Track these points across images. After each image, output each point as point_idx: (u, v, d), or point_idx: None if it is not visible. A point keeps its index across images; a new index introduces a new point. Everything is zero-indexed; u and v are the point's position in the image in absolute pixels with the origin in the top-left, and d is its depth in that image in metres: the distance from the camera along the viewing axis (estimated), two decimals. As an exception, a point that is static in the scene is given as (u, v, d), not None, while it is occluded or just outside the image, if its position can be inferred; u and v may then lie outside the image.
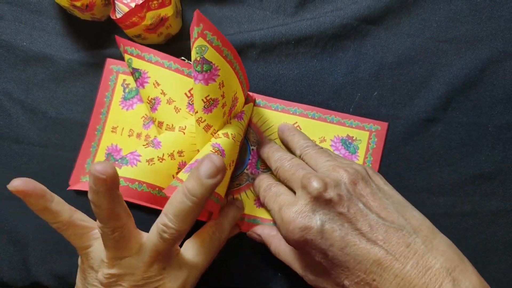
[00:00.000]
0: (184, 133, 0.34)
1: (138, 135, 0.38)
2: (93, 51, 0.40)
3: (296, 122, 0.38)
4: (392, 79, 0.38)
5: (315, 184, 0.29)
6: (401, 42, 0.38)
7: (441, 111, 0.38)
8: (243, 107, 0.37)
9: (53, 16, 0.40)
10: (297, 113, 0.38)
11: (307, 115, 0.38)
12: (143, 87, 0.36)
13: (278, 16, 0.39)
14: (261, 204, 0.37)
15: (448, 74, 0.38)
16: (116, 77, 0.39)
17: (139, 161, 0.32)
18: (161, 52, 0.36)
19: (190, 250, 0.32)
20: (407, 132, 0.38)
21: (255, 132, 0.38)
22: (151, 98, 0.36)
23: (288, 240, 0.30)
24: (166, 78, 0.35)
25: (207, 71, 0.29)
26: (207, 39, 0.28)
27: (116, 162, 0.32)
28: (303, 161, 0.34)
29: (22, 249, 0.39)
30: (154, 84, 0.35)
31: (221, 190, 0.33)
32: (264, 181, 0.35)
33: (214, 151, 0.31)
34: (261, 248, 0.36)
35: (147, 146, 0.33)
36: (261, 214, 0.37)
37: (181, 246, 0.33)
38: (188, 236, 0.32)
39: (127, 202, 0.29)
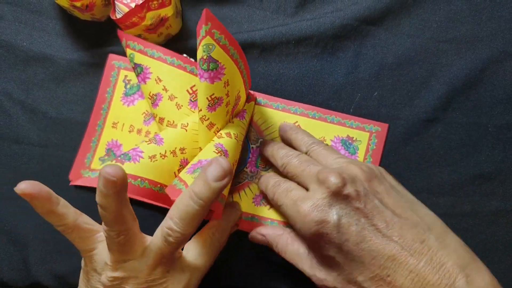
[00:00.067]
0: (186, 130, 0.34)
1: (139, 131, 0.38)
2: (93, 51, 0.40)
3: (297, 122, 0.38)
4: (392, 80, 0.38)
5: (334, 179, 0.29)
6: (401, 43, 0.38)
7: (441, 111, 0.38)
8: (244, 105, 0.37)
9: (53, 17, 0.40)
10: (298, 113, 0.38)
11: (307, 114, 0.38)
12: (145, 82, 0.36)
13: (278, 16, 0.39)
14: (268, 201, 0.37)
15: (448, 74, 0.38)
16: (118, 73, 0.39)
17: (142, 157, 0.32)
18: (164, 48, 0.36)
19: (191, 252, 0.32)
20: (407, 133, 0.38)
21: (255, 130, 0.38)
22: (153, 94, 0.36)
23: (303, 234, 0.30)
24: (169, 74, 0.35)
25: (213, 69, 0.29)
26: (215, 38, 0.28)
27: (119, 158, 0.32)
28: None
29: (22, 249, 0.39)
30: (156, 80, 0.35)
31: (226, 190, 0.33)
32: (271, 178, 0.35)
33: (217, 151, 0.31)
34: (262, 247, 0.36)
35: (149, 142, 0.33)
36: (259, 212, 0.37)
37: (182, 248, 0.33)
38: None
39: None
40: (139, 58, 0.36)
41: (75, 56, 0.40)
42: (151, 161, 0.32)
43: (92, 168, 0.38)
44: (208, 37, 0.28)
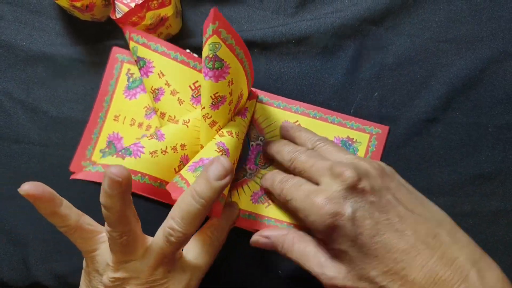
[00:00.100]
0: (187, 127, 0.34)
1: (140, 125, 0.39)
2: (93, 50, 0.40)
3: (297, 121, 0.38)
4: (392, 80, 0.38)
5: (349, 173, 0.29)
6: (401, 43, 0.38)
7: (441, 111, 0.38)
8: (246, 103, 0.37)
9: (53, 17, 0.40)
10: (299, 112, 0.38)
11: (308, 114, 0.38)
12: (147, 76, 0.36)
13: (278, 16, 0.39)
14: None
15: (448, 74, 0.38)
16: (121, 66, 0.39)
17: (143, 152, 0.32)
18: (168, 43, 0.36)
19: (191, 252, 0.32)
20: (407, 133, 0.38)
21: (256, 128, 0.38)
22: (155, 88, 0.36)
23: (316, 227, 0.29)
24: (172, 69, 0.35)
25: (218, 68, 0.29)
26: (222, 37, 0.28)
27: (120, 153, 0.32)
28: None
29: (22, 249, 0.39)
30: (158, 74, 0.35)
31: (226, 189, 0.33)
32: (277, 175, 0.35)
33: (219, 150, 0.31)
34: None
35: (151, 138, 0.33)
36: (257, 210, 0.37)
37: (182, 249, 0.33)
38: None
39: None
40: (142, 52, 0.36)
41: (75, 55, 0.40)
42: (151, 156, 0.32)
43: (93, 159, 0.38)
44: (214, 36, 0.28)
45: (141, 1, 0.34)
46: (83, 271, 0.31)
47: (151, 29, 0.36)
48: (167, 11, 0.35)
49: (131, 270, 0.28)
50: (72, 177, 0.30)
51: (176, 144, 0.33)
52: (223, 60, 0.29)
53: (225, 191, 0.33)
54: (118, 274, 0.28)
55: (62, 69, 0.40)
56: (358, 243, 0.28)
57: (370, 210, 0.28)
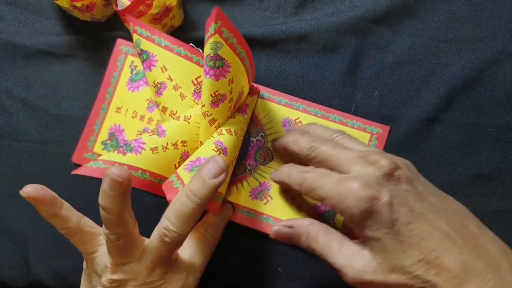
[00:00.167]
0: (189, 123, 0.34)
1: (142, 117, 0.39)
2: (93, 50, 0.40)
3: (298, 118, 0.38)
4: (392, 79, 0.38)
5: (385, 161, 0.29)
6: (401, 42, 0.38)
7: (441, 111, 0.38)
8: (247, 99, 0.37)
9: (52, 17, 0.40)
10: (300, 109, 0.38)
11: (310, 111, 0.38)
12: (150, 70, 0.36)
13: (278, 16, 0.39)
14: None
15: (448, 74, 0.38)
16: (125, 58, 0.39)
17: (144, 149, 0.32)
18: (171, 37, 0.35)
19: (186, 251, 0.32)
20: (407, 132, 0.38)
21: (256, 124, 0.38)
22: (157, 82, 0.36)
23: (350, 212, 0.28)
24: (175, 64, 0.35)
25: (219, 67, 0.29)
26: (224, 36, 0.29)
27: (121, 149, 0.32)
28: None
29: (23, 247, 0.39)
30: (161, 69, 0.35)
31: (222, 187, 0.33)
32: (294, 166, 0.34)
33: (216, 149, 0.31)
34: (260, 244, 0.36)
35: (152, 134, 0.33)
36: (255, 206, 0.37)
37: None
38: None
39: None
40: (146, 45, 0.36)
41: (75, 54, 0.40)
42: (152, 153, 0.32)
43: (95, 151, 0.39)
44: (216, 35, 0.28)
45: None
46: (83, 272, 0.32)
47: (157, 19, 0.36)
48: (172, 0, 0.36)
49: (128, 272, 0.28)
50: (74, 172, 0.30)
51: (177, 140, 0.33)
52: (224, 59, 0.29)
53: (223, 191, 0.33)
54: (116, 276, 0.28)
55: (62, 68, 0.40)
56: (393, 230, 0.27)
57: (405, 198, 0.28)
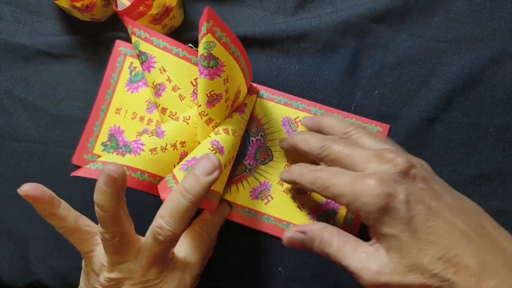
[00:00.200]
0: (187, 124, 0.34)
1: (141, 118, 0.39)
2: (93, 50, 0.40)
3: (298, 117, 0.38)
4: (392, 78, 0.38)
5: (401, 159, 0.28)
6: (401, 42, 0.38)
7: (441, 111, 0.38)
8: (245, 99, 0.37)
9: (52, 17, 0.40)
10: (300, 108, 0.38)
11: (310, 110, 0.38)
12: (149, 71, 0.36)
13: (277, 16, 0.39)
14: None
15: (448, 74, 0.38)
16: (124, 59, 0.39)
17: (143, 150, 0.32)
18: (169, 38, 0.36)
19: (181, 250, 0.32)
20: (407, 132, 0.38)
21: (256, 123, 0.38)
22: (156, 84, 0.36)
23: (367, 209, 0.28)
24: (173, 65, 0.35)
25: (213, 66, 0.29)
26: (216, 36, 0.29)
27: (120, 150, 0.32)
28: None
29: (23, 247, 0.39)
30: (160, 70, 0.35)
31: (219, 186, 0.33)
32: (305, 166, 0.34)
33: (212, 149, 0.32)
34: (260, 244, 0.37)
35: (151, 135, 0.33)
36: (256, 206, 0.37)
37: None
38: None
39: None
40: (144, 47, 0.36)
41: (75, 54, 0.40)
42: (151, 154, 0.32)
43: (95, 152, 0.39)
44: (209, 34, 0.28)
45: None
46: (82, 270, 0.32)
47: (157, 20, 0.36)
48: (172, 0, 0.36)
49: (124, 270, 0.28)
50: (73, 174, 0.30)
51: (176, 141, 0.33)
52: (218, 58, 0.29)
53: (219, 190, 0.33)
54: (112, 275, 0.28)
55: (62, 68, 0.40)
56: (411, 227, 0.27)
57: (421, 196, 0.28)
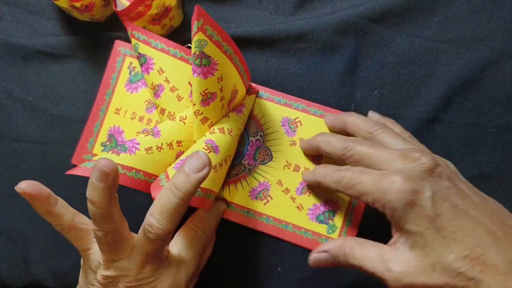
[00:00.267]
0: (184, 123, 0.34)
1: (141, 119, 0.39)
2: (92, 50, 0.40)
3: (298, 117, 0.38)
4: (392, 78, 0.38)
5: (426, 158, 0.29)
6: (401, 42, 0.38)
7: (441, 111, 0.38)
8: (244, 99, 0.37)
9: (51, 17, 0.40)
10: (300, 108, 0.38)
11: (309, 111, 0.38)
12: (148, 73, 0.36)
13: (277, 16, 0.39)
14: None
15: (448, 74, 0.38)
16: (123, 59, 0.39)
17: (138, 149, 0.32)
18: (167, 39, 0.36)
19: (175, 247, 0.32)
20: (407, 132, 0.38)
21: (255, 123, 0.38)
22: (155, 85, 0.36)
23: (393, 205, 0.28)
24: (171, 66, 0.36)
25: (206, 65, 0.29)
26: (207, 34, 0.29)
27: (115, 149, 0.32)
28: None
29: (22, 247, 0.39)
30: (158, 71, 0.35)
31: (215, 185, 0.33)
32: (328, 167, 0.34)
33: (206, 148, 0.31)
34: (259, 244, 0.37)
35: (147, 134, 0.33)
36: (255, 206, 0.37)
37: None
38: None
39: (121, 186, 0.29)
40: (143, 49, 0.36)
41: (74, 54, 0.40)
42: (147, 153, 0.32)
43: (94, 152, 0.39)
44: (200, 33, 0.28)
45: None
46: (81, 268, 0.32)
47: (156, 20, 0.36)
48: (171, 0, 0.36)
49: (119, 268, 0.28)
50: (68, 172, 0.30)
51: (172, 140, 0.33)
52: (210, 56, 0.29)
53: (215, 189, 0.33)
54: (108, 272, 0.28)
55: (61, 68, 0.40)
56: (436, 225, 0.27)
57: (447, 194, 0.28)
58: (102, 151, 0.39)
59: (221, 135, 0.33)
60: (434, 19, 0.38)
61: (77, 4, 0.35)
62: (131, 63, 0.39)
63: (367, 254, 0.29)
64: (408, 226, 0.28)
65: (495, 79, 0.38)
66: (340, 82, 0.38)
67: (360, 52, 0.38)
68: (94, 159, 0.32)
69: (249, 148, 0.38)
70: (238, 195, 0.38)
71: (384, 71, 0.38)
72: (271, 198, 0.37)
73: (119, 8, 0.35)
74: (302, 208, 0.37)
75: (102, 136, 0.39)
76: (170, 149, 0.33)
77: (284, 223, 0.37)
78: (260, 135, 0.38)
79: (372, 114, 0.37)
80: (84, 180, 0.32)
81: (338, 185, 0.32)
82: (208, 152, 0.31)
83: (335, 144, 0.33)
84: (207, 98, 0.31)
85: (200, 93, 0.31)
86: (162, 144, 0.33)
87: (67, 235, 0.30)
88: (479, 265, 0.25)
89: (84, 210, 0.31)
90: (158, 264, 0.30)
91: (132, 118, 0.39)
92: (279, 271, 0.37)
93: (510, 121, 0.37)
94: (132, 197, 0.37)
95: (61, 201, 0.30)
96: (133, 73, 0.39)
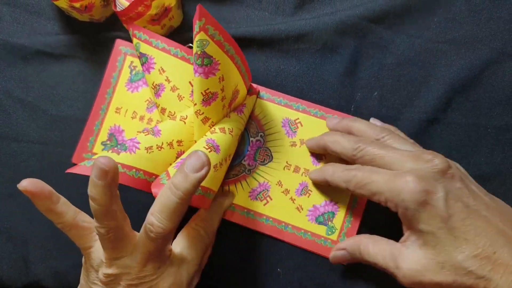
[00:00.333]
0: (185, 123, 0.34)
1: (141, 118, 0.39)
2: (92, 50, 0.40)
3: (298, 118, 0.38)
4: (392, 79, 0.38)
5: (439, 160, 0.29)
6: (400, 42, 0.38)
7: (441, 112, 0.38)
8: (245, 99, 0.37)
9: (51, 17, 0.40)
10: (300, 109, 0.38)
11: (309, 112, 0.38)
12: (149, 72, 0.36)
13: (276, 16, 0.39)
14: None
15: (447, 75, 0.38)
16: (124, 58, 0.39)
17: (138, 148, 0.32)
18: (168, 39, 0.36)
19: (178, 246, 0.32)
20: (407, 133, 0.37)
21: (256, 124, 0.38)
22: (156, 84, 0.36)
23: (405, 205, 0.28)
24: (172, 66, 0.36)
25: (207, 65, 0.29)
26: (209, 34, 0.29)
27: (115, 148, 0.32)
28: None
29: (22, 247, 0.39)
30: (159, 71, 0.35)
31: (214, 184, 0.33)
32: (337, 165, 0.34)
33: (207, 147, 0.31)
34: (259, 244, 0.37)
35: (147, 133, 0.33)
36: (255, 207, 0.37)
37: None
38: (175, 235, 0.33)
39: (123, 186, 0.29)
40: (144, 48, 0.36)
41: (74, 54, 0.40)
42: (147, 152, 0.32)
43: (94, 151, 0.39)
44: (202, 32, 0.28)
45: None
46: (82, 267, 0.32)
47: (156, 20, 0.36)
48: (171, 0, 0.36)
49: (121, 266, 0.29)
50: (68, 171, 0.31)
51: (173, 140, 0.33)
52: (211, 56, 0.29)
53: (215, 188, 0.33)
54: (110, 270, 0.29)
55: (61, 68, 0.40)
56: (448, 225, 0.27)
57: (459, 194, 0.28)
58: (103, 150, 0.39)
59: (222, 135, 0.33)
60: (434, 20, 0.38)
61: (77, 5, 0.35)
62: (132, 62, 0.39)
63: (380, 251, 0.30)
64: (420, 226, 0.28)
65: (495, 79, 0.38)
66: (340, 83, 0.38)
67: (360, 52, 0.38)
68: (94, 158, 0.32)
69: (250, 148, 0.38)
70: (238, 196, 0.38)
71: (384, 72, 0.38)
72: (271, 199, 0.37)
73: (118, 9, 0.35)
74: (302, 209, 0.37)
75: (103, 135, 0.39)
76: (170, 148, 0.33)
77: (283, 224, 0.37)
78: (261, 135, 0.38)
79: (374, 122, 0.37)
80: (84, 180, 0.32)
81: (349, 184, 0.32)
82: (209, 152, 0.31)
83: (344, 144, 0.33)
84: (208, 98, 0.31)
85: (201, 93, 0.31)
86: (162, 144, 0.33)
87: (68, 233, 0.30)
88: (490, 264, 0.26)
89: (84, 210, 0.31)
90: (160, 262, 0.30)
91: (132, 118, 0.39)
92: (279, 272, 0.37)
93: (510, 121, 0.37)
94: (132, 196, 0.37)
95: (62, 199, 0.30)
96: (133, 72, 0.39)
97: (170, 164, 0.34)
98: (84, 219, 0.31)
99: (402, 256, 0.29)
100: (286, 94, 0.38)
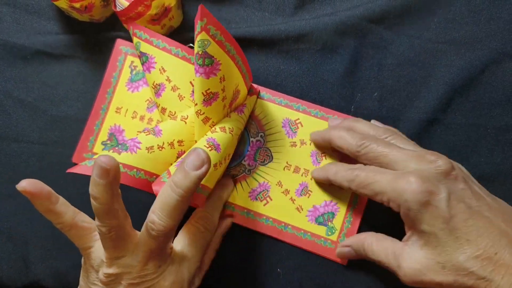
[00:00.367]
0: (185, 123, 0.34)
1: (142, 118, 0.39)
2: (92, 50, 0.40)
3: (298, 119, 0.38)
4: (392, 80, 0.38)
5: (442, 161, 0.29)
6: (400, 43, 0.38)
7: (441, 112, 0.38)
8: (245, 99, 0.37)
9: (51, 18, 0.40)
10: (300, 110, 0.38)
11: (310, 112, 0.38)
12: (149, 72, 0.36)
13: (276, 17, 0.39)
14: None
15: (447, 75, 0.38)
16: (125, 58, 0.39)
17: (139, 148, 0.32)
18: (169, 39, 0.36)
19: (179, 244, 0.33)
20: (407, 133, 0.37)
21: (256, 124, 0.38)
22: (156, 84, 0.36)
23: (408, 205, 0.28)
24: (172, 65, 0.36)
25: (209, 65, 0.29)
26: (210, 34, 0.29)
27: (116, 148, 0.32)
28: None
29: (22, 247, 0.39)
30: (160, 70, 0.35)
31: (211, 182, 0.33)
32: (340, 165, 0.34)
33: (208, 146, 0.32)
34: (259, 244, 0.37)
35: (148, 133, 0.33)
36: (255, 207, 0.37)
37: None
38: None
39: (123, 186, 0.29)
40: (145, 47, 0.36)
41: (74, 55, 0.40)
42: (148, 152, 0.32)
43: (94, 151, 0.39)
44: (203, 32, 0.28)
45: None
46: (82, 268, 0.32)
47: (156, 20, 0.36)
48: (170, 0, 0.35)
49: (122, 265, 0.29)
50: (68, 170, 0.31)
51: (173, 140, 0.33)
52: (213, 56, 0.29)
53: (210, 185, 0.33)
54: (111, 270, 0.29)
55: (61, 68, 0.40)
56: (450, 226, 0.27)
57: (462, 195, 0.28)
58: (103, 149, 0.39)
59: (223, 134, 0.33)
60: (434, 20, 0.38)
61: (77, 5, 0.35)
62: (132, 62, 0.39)
63: (384, 249, 0.31)
64: (422, 226, 0.28)
65: (495, 79, 0.38)
66: (340, 84, 0.38)
67: (359, 53, 0.38)
68: (94, 157, 0.32)
69: (250, 148, 0.38)
70: (238, 196, 0.38)
71: (384, 72, 0.38)
72: (271, 199, 0.37)
73: (118, 9, 0.35)
74: (302, 210, 0.37)
75: (103, 135, 0.39)
76: (171, 148, 0.33)
77: (283, 224, 0.37)
78: (261, 135, 0.38)
79: (375, 123, 0.37)
80: (84, 180, 0.32)
81: (351, 184, 0.32)
82: (210, 150, 0.31)
83: (349, 140, 0.33)
84: (209, 98, 0.31)
85: (202, 93, 0.31)
86: (163, 143, 0.33)
87: (68, 233, 0.30)
88: (491, 265, 0.26)
89: (84, 210, 0.31)
90: (161, 261, 0.30)
91: (133, 117, 0.39)
92: (279, 272, 0.37)
93: (510, 122, 0.37)
94: (133, 196, 0.37)
95: (61, 199, 0.30)
96: (134, 72, 0.39)
97: (171, 164, 0.34)
98: (83, 219, 0.31)
99: (403, 255, 0.29)
100: (286, 94, 0.38)
